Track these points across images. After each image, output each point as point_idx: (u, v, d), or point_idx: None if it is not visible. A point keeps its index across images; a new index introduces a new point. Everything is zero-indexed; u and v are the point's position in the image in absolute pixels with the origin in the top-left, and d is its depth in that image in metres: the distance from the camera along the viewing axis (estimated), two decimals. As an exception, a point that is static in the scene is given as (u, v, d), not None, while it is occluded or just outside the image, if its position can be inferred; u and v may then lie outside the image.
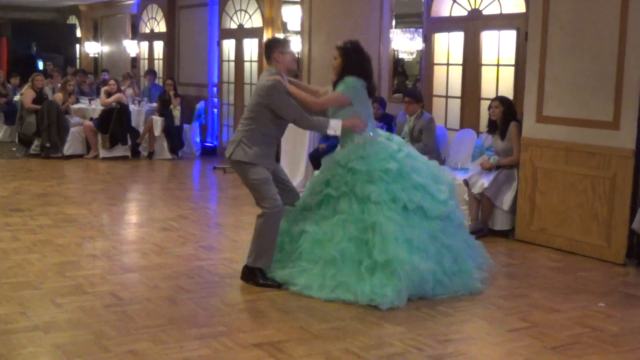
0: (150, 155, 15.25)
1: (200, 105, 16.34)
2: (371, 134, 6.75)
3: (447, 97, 10.72)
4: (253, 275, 6.67)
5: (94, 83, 19.59)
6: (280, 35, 7.26)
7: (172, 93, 15.36)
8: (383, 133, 7.06)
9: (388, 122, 11.08)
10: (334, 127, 6.59)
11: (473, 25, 10.21)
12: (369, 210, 6.37)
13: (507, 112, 9.00)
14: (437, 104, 10.82)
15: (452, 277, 6.50)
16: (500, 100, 9.13)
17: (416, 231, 6.40)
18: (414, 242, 6.32)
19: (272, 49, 6.80)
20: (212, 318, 5.80)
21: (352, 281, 6.24)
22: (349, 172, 6.55)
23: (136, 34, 20.33)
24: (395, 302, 6.09)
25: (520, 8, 9.57)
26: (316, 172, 7.25)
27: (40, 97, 15.30)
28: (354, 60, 6.74)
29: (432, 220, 6.55)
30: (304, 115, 6.60)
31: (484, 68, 10.15)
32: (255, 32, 14.74)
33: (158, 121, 15.12)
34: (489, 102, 9.46)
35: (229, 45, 15.80)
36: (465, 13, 10.34)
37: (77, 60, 25.33)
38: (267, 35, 14.12)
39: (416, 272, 6.21)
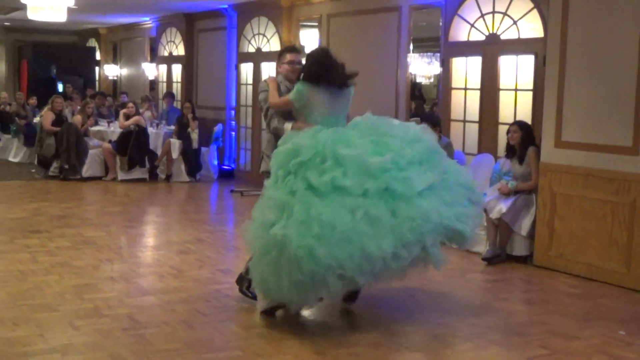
0: (168, 178, 15.29)
1: (217, 128, 16.38)
2: None
3: (464, 121, 10.71)
4: (241, 281, 6.83)
5: (112, 105, 19.69)
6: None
7: (190, 116, 15.41)
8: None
9: (406, 146, 11.07)
10: (286, 128, 6.65)
11: (491, 50, 10.21)
12: (285, 185, 6.01)
13: (526, 137, 8.99)
14: (455, 129, 10.81)
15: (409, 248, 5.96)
16: (519, 124, 9.12)
17: (328, 210, 5.79)
18: (315, 224, 5.71)
19: (277, 62, 7.15)
20: (229, 342, 5.80)
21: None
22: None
23: (155, 57, 20.43)
24: (297, 301, 6.02)
25: (539, 33, 9.57)
26: None
27: (59, 120, 15.41)
28: (307, 65, 6.65)
29: (353, 197, 5.86)
30: (272, 118, 6.78)
31: (501, 93, 10.15)
32: (273, 56, 14.72)
33: (176, 144, 15.18)
34: (506, 126, 9.44)
35: (246, 69, 15.85)
36: (483, 38, 10.35)
37: (97, 83, 25.48)
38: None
39: (315, 261, 5.64)
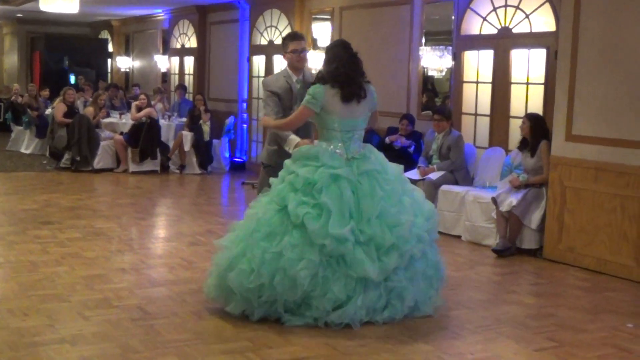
0: (182, 169, 15.33)
1: (229, 120, 16.38)
2: (332, 148, 6.20)
3: (476, 114, 10.70)
4: None
5: (124, 97, 19.74)
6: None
7: (202, 108, 15.45)
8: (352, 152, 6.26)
9: (416, 139, 11.09)
10: (289, 143, 6.59)
11: (503, 43, 10.20)
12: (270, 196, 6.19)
13: (535, 128, 8.97)
14: (466, 122, 10.81)
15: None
16: (528, 116, 9.14)
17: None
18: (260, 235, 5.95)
19: (282, 51, 7.04)
20: (239, 333, 5.80)
21: None
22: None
23: (167, 49, 20.47)
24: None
25: (551, 27, 9.55)
26: None
27: (71, 111, 15.44)
28: (327, 62, 6.32)
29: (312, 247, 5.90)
30: (272, 117, 6.79)
31: (513, 86, 10.13)
32: (285, 49, 14.76)
33: (188, 136, 15.21)
34: (517, 120, 9.44)
35: (259, 61, 15.86)
36: (495, 31, 10.33)
37: (109, 75, 25.52)
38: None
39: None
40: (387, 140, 11.15)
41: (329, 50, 6.43)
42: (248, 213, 6.23)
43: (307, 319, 5.92)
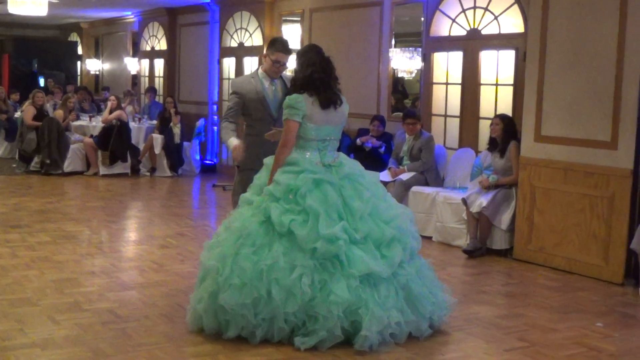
0: (152, 171, 15.27)
1: (200, 122, 16.36)
2: (309, 157, 6.05)
3: (445, 116, 10.75)
4: None
5: (93, 100, 19.63)
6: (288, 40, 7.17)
7: (172, 111, 15.39)
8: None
9: (387, 141, 11.12)
10: (229, 145, 6.75)
11: (472, 44, 10.25)
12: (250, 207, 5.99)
13: (507, 130, 9.03)
14: (436, 123, 10.85)
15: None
16: (501, 117, 9.19)
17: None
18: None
19: (266, 50, 6.95)
20: (210, 336, 5.78)
21: None
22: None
23: (137, 52, 20.38)
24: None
25: (519, 28, 9.61)
26: None
27: (40, 114, 15.34)
28: (303, 68, 6.14)
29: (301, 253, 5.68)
30: (224, 119, 6.90)
31: (482, 87, 10.19)
32: (255, 50, 14.78)
33: (158, 139, 15.15)
34: (487, 121, 9.49)
35: (229, 63, 15.84)
36: (464, 33, 10.38)
37: (78, 78, 25.37)
38: (267, 54, 14.16)
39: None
40: (358, 141, 11.18)
41: (301, 56, 6.25)
42: (230, 226, 5.98)
43: (319, 332, 5.57)
